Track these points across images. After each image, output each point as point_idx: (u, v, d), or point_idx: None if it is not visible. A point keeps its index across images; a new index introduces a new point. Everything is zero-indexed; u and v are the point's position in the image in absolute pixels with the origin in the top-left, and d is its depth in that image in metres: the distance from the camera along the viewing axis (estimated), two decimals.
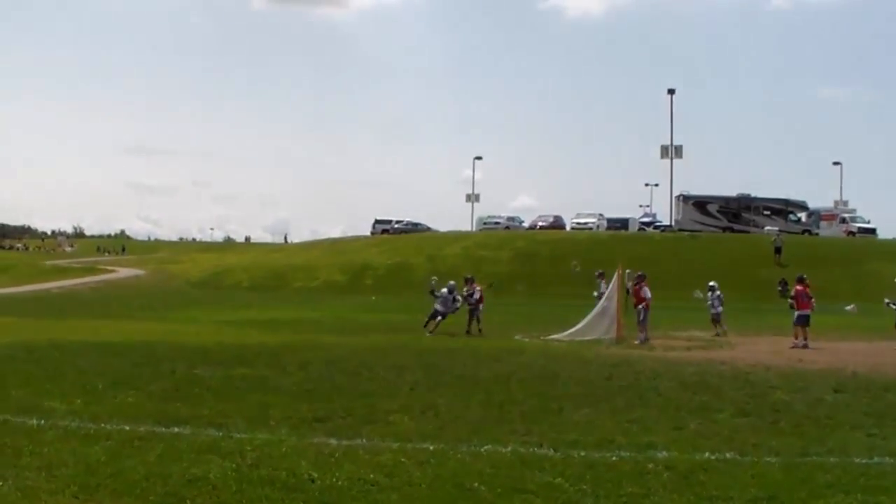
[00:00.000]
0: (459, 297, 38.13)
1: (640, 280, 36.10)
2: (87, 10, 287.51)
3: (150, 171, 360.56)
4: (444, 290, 38.04)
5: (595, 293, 40.37)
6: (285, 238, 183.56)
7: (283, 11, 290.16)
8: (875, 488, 11.85)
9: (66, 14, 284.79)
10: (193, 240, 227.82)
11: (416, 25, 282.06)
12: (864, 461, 13.48)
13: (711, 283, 39.80)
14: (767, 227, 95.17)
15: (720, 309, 38.31)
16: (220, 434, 14.59)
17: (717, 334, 37.06)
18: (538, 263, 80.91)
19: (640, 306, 35.25)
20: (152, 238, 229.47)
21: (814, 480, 12.22)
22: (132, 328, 36.86)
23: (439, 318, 37.02)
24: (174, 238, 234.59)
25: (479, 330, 37.04)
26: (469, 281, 38.36)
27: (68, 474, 11.83)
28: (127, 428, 14.85)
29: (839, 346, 33.25)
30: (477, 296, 37.64)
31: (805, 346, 32.12)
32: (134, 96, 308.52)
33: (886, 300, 36.38)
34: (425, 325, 37.12)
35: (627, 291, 36.44)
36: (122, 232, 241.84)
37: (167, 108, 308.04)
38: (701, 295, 41.29)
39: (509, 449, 13.84)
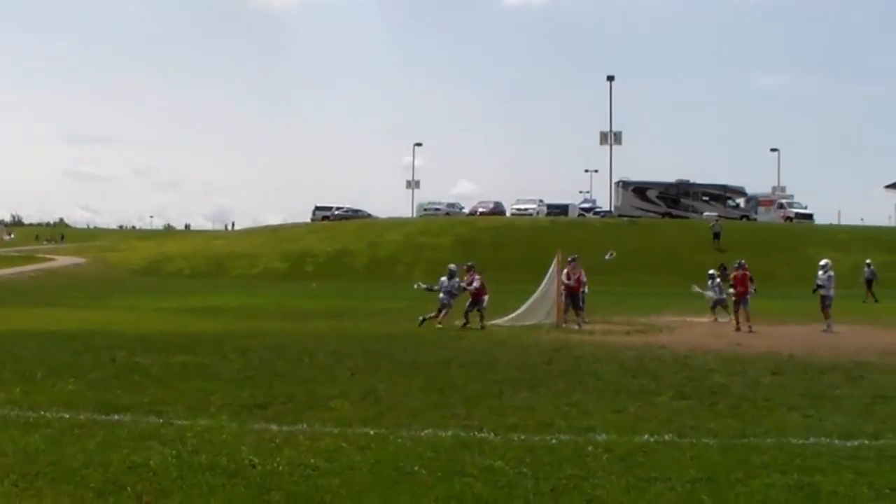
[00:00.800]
0: (458, 281, 35.83)
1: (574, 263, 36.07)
2: None
3: (88, 159, 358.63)
4: (443, 278, 35.94)
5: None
6: (226, 226, 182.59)
7: None
8: (811, 468, 11.98)
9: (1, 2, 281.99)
10: (133, 228, 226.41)
11: (358, 13, 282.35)
12: (800, 442, 13.63)
13: (711, 271, 39.97)
14: (706, 213, 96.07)
15: (723, 296, 38.37)
16: (161, 421, 14.54)
17: (716, 320, 37.35)
18: (479, 250, 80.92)
19: (575, 290, 35.31)
20: (92, 226, 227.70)
21: (750, 461, 12.35)
22: (72, 317, 36.63)
23: (446, 310, 34.70)
24: (114, 226, 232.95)
25: (482, 326, 34.08)
26: (470, 269, 36.83)
27: (7, 463, 11.77)
28: (67, 416, 14.77)
29: (778, 331, 33.59)
30: (477, 284, 35.24)
31: (751, 331, 32.48)
32: (71, 84, 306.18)
33: (694, 287, 37.10)
34: (434, 317, 34.23)
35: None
36: (62, 220, 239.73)
37: (105, 97, 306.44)
38: (698, 289, 41.26)
39: (449, 433, 13.89)
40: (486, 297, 34.98)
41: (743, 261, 36.29)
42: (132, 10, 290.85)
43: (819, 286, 35.35)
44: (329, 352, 24.45)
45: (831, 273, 35.45)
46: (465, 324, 33.96)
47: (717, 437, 13.90)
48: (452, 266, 36.82)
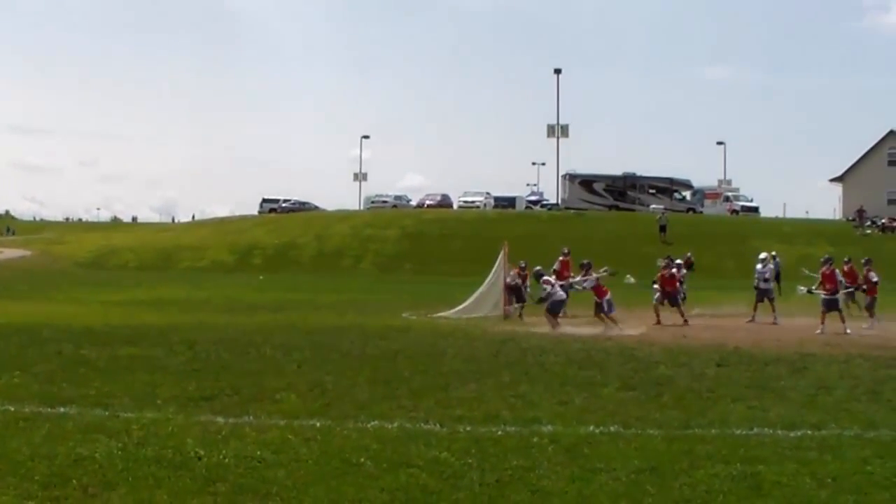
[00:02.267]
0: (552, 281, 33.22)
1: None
2: None
3: (34, 150, 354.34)
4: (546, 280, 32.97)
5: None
6: (173, 218, 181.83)
7: None
8: (754, 458, 12.11)
9: None
10: (80, 220, 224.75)
11: (304, 3, 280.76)
12: (744, 432, 13.77)
13: (763, 255, 39.31)
14: (653, 206, 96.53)
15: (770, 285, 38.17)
16: (107, 413, 14.53)
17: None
18: (426, 242, 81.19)
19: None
20: (38, 218, 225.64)
21: (695, 452, 12.47)
22: (17, 309, 36.36)
23: (522, 304, 34.75)
24: (60, 218, 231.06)
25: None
26: (586, 266, 34.67)
27: None
28: (12, 409, 14.72)
29: (722, 323, 33.81)
30: (590, 284, 33.60)
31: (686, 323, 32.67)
32: (15, 75, 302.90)
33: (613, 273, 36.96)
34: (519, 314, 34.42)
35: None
36: (7, 212, 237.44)
37: (49, 87, 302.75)
38: (633, 280, 41.28)
39: (395, 424, 13.94)
40: (606, 297, 32.69)
41: (670, 257, 36.56)
42: (74, 1, 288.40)
43: (765, 280, 35.55)
44: (276, 344, 24.41)
45: (771, 266, 35.72)
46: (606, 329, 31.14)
47: (662, 428, 14.01)
48: (538, 269, 34.19)
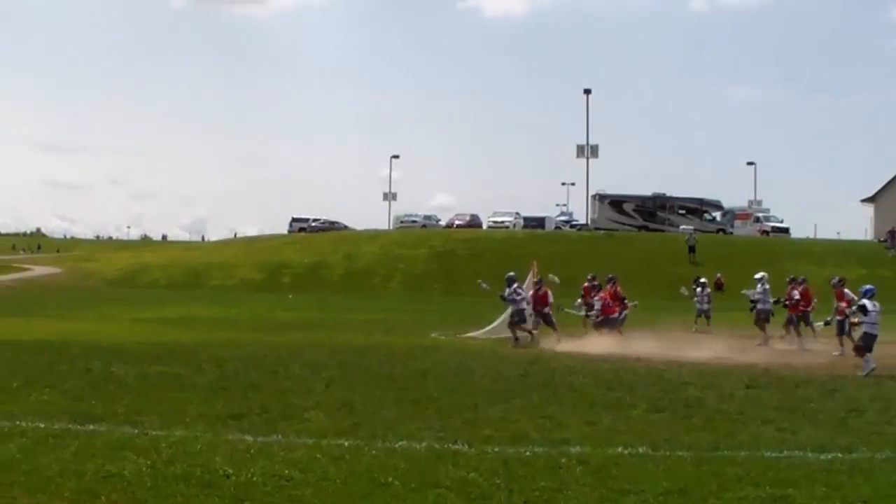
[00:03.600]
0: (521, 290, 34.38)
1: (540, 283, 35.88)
2: None
3: (65, 168, 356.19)
4: (513, 287, 34.05)
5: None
6: (203, 237, 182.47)
7: (202, 10, 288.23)
8: (784, 481, 12.05)
9: None
10: (110, 238, 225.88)
11: (336, 24, 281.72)
12: (773, 455, 13.70)
13: (702, 280, 40.07)
14: (682, 226, 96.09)
15: (706, 307, 39.10)
16: (136, 431, 14.55)
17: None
18: (455, 262, 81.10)
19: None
20: (68, 236, 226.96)
21: (724, 474, 12.41)
22: (48, 326, 36.46)
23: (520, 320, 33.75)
24: (91, 236, 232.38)
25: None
26: (610, 281, 35.68)
27: None
28: (42, 425, 14.75)
29: (753, 343, 33.64)
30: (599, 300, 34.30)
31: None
32: (48, 93, 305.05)
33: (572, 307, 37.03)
34: (516, 340, 33.15)
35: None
36: (38, 230, 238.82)
37: (83, 106, 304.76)
38: (686, 292, 41.58)
39: (424, 444, 13.93)
40: (615, 314, 33.95)
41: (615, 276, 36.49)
42: (108, 20, 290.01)
43: (753, 301, 35.55)
44: (304, 363, 24.43)
45: (767, 286, 35.59)
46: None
47: (691, 449, 13.95)
48: (510, 274, 34.74)
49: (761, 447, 14.27)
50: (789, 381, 22.84)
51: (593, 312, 34.58)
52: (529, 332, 33.11)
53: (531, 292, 34.75)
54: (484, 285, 35.96)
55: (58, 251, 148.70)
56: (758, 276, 36.54)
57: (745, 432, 15.64)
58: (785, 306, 34.77)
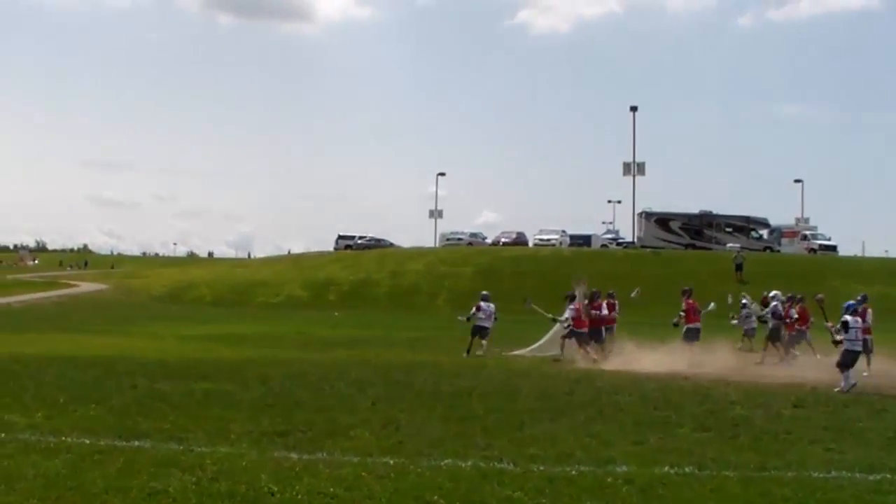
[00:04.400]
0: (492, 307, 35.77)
1: (596, 297, 35.91)
2: (46, 23, 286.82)
3: (112, 185, 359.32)
4: (482, 303, 35.84)
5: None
6: (249, 254, 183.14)
7: (250, 26, 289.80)
8: (832, 502, 11.98)
9: (25, 27, 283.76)
10: (156, 254, 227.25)
11: (382, 41, 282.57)
12: (821, 475, 13.59)
13: (743, 300, 40.03)
14: (729, 244, 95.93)
15: (753, 325, 39.28)
16: (181, 448, 14.58)
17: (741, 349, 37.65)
18: (501, 279, 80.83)
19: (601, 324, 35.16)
20: (115, 252, 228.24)
21: (771, 494, 12.33)
22: (94, 342, 36.68)
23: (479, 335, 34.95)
24: (137, 252, 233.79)
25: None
26: (607, 295, 36.84)
27: (28, 487, 11.82)
28: (87, 441, 14.82)
29: (801, 360, 33.43)
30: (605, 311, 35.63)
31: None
32: (95, 110, 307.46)
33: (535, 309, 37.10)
34: (468, 351, 34.37)
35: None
36: (85, 246, 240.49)
37: (130, 123, 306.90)
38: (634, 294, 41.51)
39: (469, 463, 13.88)
40: (584, 329, 34.08)
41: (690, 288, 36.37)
42: (156, 38, 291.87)
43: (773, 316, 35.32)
44: (350, 381, 24.43)
45: (751, 307, 35.67)
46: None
47: (738, 469, 13.86)
48: (485, 293, 36.94)
49: (809, 467, 14.17)
50: (837, 400, 22.68)
51: (563, 320, 34.76)
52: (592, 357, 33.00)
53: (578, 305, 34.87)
54: (530, 304, 36.15)
55: (112, 267, 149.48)
56: (774, 293, 36.58)
57: (792, 452, 15.52)
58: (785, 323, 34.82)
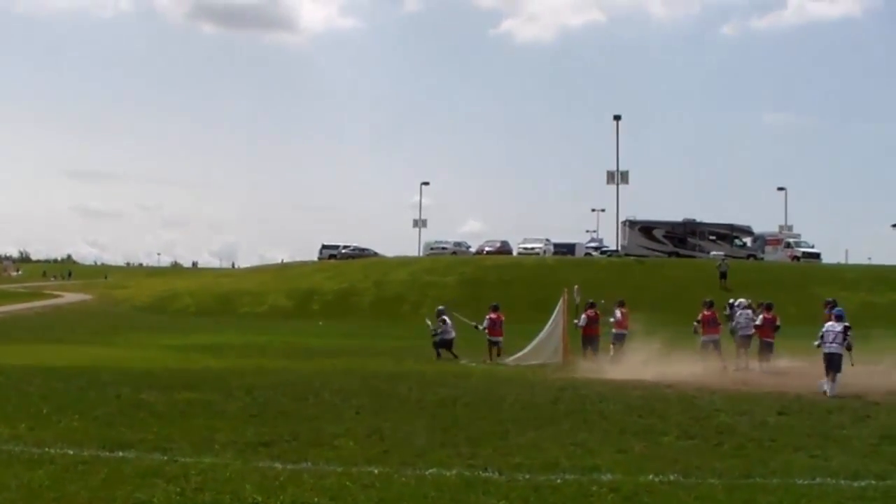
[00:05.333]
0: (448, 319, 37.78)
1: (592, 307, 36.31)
2: (29, 34, 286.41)
3: (96, 195, 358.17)
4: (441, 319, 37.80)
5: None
6: (233, 264, 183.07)
7: (234, 36, 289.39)
8: None
9: (10, 36, 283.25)
10: (140, 265, 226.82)
11: (366, 51, 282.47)
12: (806, 482, 13.62)
13: (734, 301, 39.95)
14: (713, 252, 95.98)
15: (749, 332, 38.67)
16: (165, 458, 14.56)
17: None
18: (485, 288, 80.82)
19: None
20: (99, 263, 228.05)
21: (756, 501, 12.36)
22: (78, 353, 36.64)
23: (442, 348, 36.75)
24: (121, 263, 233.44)
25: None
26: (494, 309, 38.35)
27: (11, 499, 11.80)
28: (71, 452, 14.80)
29: (784, 368, 33.45)
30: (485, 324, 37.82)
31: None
32: (78, 121, 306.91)
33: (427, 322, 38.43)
34: (438, 357, 36.77)
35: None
36: (69, 256, 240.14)
37: (113, 132, 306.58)
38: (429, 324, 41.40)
39: (454, 472, 13.87)
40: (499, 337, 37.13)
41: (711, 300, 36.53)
42: (138, 47, 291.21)
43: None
44: (334, 390, 24.41)
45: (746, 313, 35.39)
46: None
47: (723, 477, 13.88)
48: (441, 307, 38.99)
49: (793, 474, 14.19)
50: (821, 407, 22.72)
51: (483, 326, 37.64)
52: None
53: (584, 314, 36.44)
54: (430, 321, 38.53)
55: (105, 277, 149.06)
56: (740, 301, 36.45)
57: (777, 459, 15.54)
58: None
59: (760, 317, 34.73)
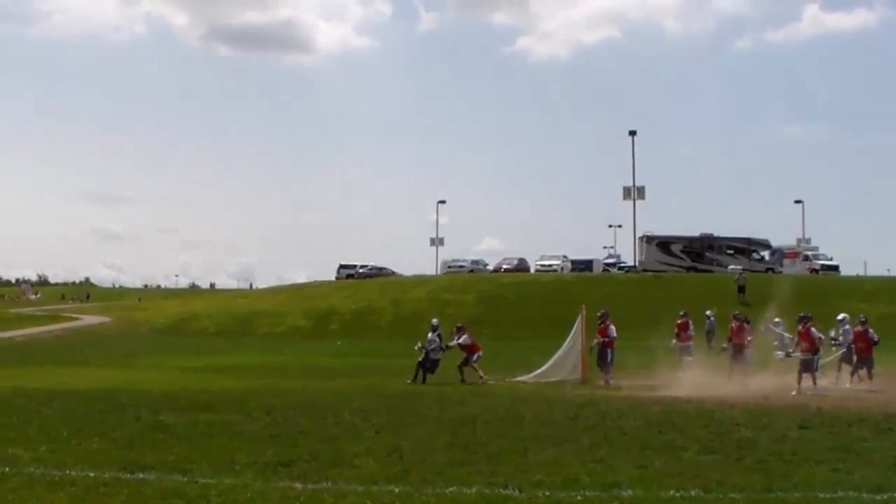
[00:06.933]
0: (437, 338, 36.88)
1: (604, 318, 36.11)
2: (48, 57, 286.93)
3: (113, 218, 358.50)
4: (430, 334, 37.24)
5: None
6: (251, 285, 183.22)
7: (250, 58, 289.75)
8: None
9: (27, 61, 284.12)
10: (159, 287, 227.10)
11: (382, 70, 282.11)
12: (828, 496, 13.55)
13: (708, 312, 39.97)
14: (731, 266, 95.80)
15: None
16: (186, 479, 14.55)
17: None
18: (503, 306, 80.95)
19: (606, 346, 35.39)
20: (117, 285, 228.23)
21: None
22: (97, 375, 36.70)
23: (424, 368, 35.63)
24: (139, 285, 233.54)
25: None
26: (460, 329, 37.57)
27: None
28: (91, 475, 14.79)
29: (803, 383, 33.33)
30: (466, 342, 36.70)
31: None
32: (96, 144, 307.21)
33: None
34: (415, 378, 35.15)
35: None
36: (87, 279, 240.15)
37: (131, 156, 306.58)
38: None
39: (474, 490, 13.84)
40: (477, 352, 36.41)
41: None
42: (154, 70, 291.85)
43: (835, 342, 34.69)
44: (354, 409, 24.40)
45: (848, 327, 34.59)
46: (462, 380, 35.07)
47: (744, 491, 13.82)
48: (434, 321, 38.75)
49: (815, 488, 14.11)
50: (843, 420, 22.60)
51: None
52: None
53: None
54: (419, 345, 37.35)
55: (139, 300, 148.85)
56: (840, 316, 35.76)
57: (798, 473, 15.45)
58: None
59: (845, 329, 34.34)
